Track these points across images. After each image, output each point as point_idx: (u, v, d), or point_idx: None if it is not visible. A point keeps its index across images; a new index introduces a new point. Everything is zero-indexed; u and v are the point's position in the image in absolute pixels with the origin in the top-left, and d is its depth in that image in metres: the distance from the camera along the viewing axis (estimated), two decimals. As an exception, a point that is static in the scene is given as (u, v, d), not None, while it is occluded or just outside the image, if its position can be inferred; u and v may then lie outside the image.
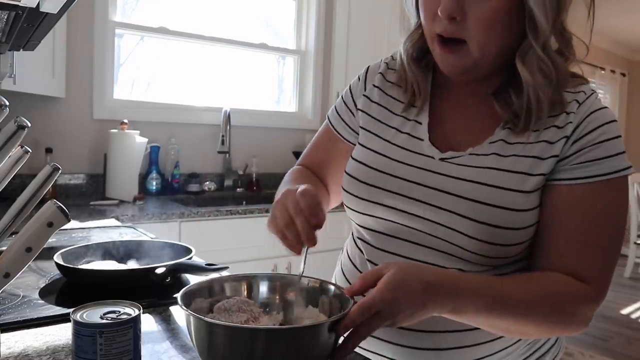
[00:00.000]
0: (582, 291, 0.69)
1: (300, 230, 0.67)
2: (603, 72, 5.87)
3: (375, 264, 0.79)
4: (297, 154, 3.00)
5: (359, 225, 0.85)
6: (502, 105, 0.76)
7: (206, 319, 0.58)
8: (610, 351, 3.11)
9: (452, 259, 0.74)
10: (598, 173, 0.70)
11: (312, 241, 0.67)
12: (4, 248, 0.63)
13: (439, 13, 0.71)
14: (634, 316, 3.81)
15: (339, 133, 0.92)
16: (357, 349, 0.79)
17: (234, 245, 2.26)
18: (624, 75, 6.32)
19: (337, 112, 0.93)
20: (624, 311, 3.89)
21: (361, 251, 0.84)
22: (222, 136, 2.74)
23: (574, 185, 0.71)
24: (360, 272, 0.82)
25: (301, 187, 0.69)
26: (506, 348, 0.77)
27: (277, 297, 0.71)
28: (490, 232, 0.70)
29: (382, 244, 0.80)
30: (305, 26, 3.26)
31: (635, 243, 4.83)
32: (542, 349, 0.81)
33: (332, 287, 0.69)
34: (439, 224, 0.73)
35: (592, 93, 0.75)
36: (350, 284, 0.83)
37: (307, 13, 3.24)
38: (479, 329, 0.74)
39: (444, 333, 0.74)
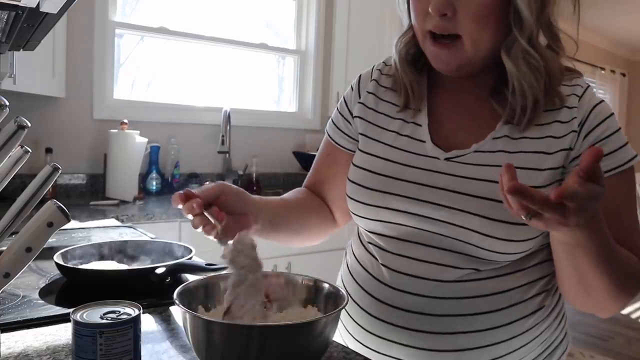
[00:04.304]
0: None
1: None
2: (603, 72, 5.86)
3: (391, 269, 0.79)
4: (297, 154, 3.00)
5: (368, 231, 0.84)
6: (500, 103, 0.77)
7: (202, 316, 0.58)
8: (610, 351, 3.11)
9: (466, 258, 0.74)
10: (613, 167, 0.72)
11: (193, 211, 0.67)
12: (4, 248, 0.63)
13: (430, 10, 0.72)
14: (634, 316, 3.81)
15: (338, 144, 0.91)
16: (370, 352, 0.79)
17: (234, 245, 2.26)
18: (624, 75, 6.31)
19: (334, 124, 0.92)
20: (624, 311, 3.89)
21: (374, 256, 0.83)
22: (222, 136, 2.74)
23: None
24: (374, 277, 0.81)
25: None
26: (523, 347, 0.77)
27: (272, 295, 0.72)
28: (503, 229, 0.71)
29: (395, 249, 0.79)
30: (305, 26, 3.26)
31: (635, 243, 4.83)
32: (554, 344, 0.82)
33: (326, 286, 0.70)
34: (452, 224, 0.73)
35: (588, 86, 0.77)
36: (363, 289, 0.82)
37: (307, 13, 3.24)
38: (496, 327, 0.74)
39: (463, 334, 0.74)
